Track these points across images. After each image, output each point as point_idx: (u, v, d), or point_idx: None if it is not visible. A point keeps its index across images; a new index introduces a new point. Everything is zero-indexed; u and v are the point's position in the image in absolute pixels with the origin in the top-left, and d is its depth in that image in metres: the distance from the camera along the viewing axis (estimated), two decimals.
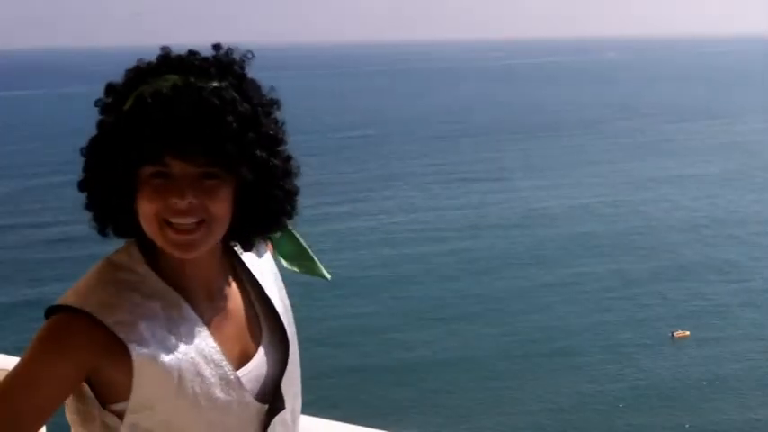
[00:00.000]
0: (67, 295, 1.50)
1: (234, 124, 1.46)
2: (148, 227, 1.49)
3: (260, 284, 1.69)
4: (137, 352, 1.45)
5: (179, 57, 1.52)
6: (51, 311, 1.50)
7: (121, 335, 1.45)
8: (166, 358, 1.47)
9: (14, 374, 1.47)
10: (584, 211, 43.93)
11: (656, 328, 27.59)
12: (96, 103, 1.54)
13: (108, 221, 1.55)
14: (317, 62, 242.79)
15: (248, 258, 1.71)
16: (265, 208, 1.57)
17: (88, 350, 1.45)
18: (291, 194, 1.59)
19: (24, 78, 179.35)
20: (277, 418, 1.62)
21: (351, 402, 21.20)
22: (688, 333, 26.90)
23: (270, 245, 1.83)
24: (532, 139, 70.01)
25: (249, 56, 1.56)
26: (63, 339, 1.46)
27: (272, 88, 1.58)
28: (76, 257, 30.50)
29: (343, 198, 47.80)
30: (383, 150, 65.53)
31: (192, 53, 1.53)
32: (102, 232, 1.56)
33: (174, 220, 1.47)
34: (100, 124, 1.51)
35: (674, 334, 26.87)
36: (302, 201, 1.59)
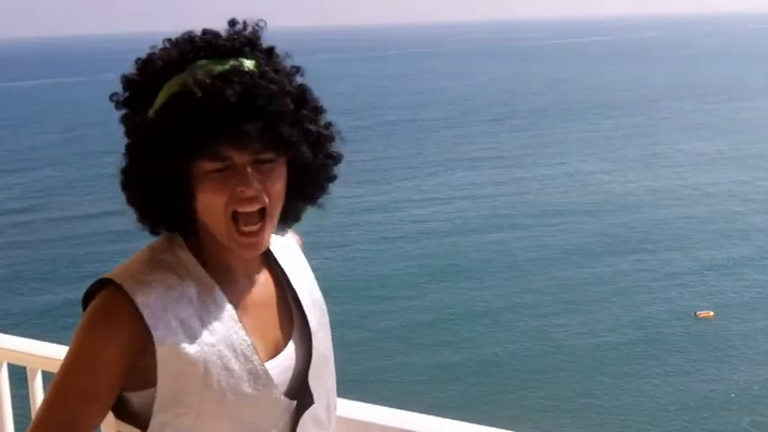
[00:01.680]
0: (112, 272, 1.49)
1: (290, 105, 1.45)
2: (217, 222, 1.47)
3: (288, 276, 1.66)
4: (161, 339, 1.43)
5: (205, 39, 1.47)
6: (93, 290, 1.49)
7: (148, 319, 1.43)
8: (192, 348, 1.44)
9: (67, 361, 1.46)
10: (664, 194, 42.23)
11: None
12: (112, 98, 1.49)
13: (158, 220, 1.51)
14: (346, 45, 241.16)
15: (278, 249, 1.68)
16: (318, 178, 1.56)
17: (133, 326, 1.43)
18: (338, 160, 1.58)
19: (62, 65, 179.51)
20: (307, 415, 1.59)
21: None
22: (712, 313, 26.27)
23: (299, 238, 1.79)
24: (585, 120, 68.13)
25: (262, 24, 1.53)
26: (111, 316, 1.44)
27: (288, 54, 1.54)
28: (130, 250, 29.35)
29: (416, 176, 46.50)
30: (440, 135, 64.10)
31: (213, 33, 1.48)
32: (154, 231, 1.54)
33: (242, 210, 1.46)
34: (136, 122, 1.45)
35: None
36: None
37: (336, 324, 1.78)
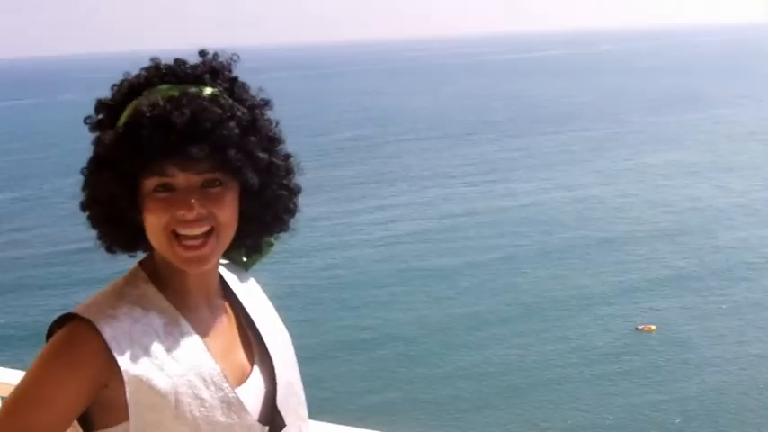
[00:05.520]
0: (78, 306, 1.50)
1: (235, 130, 1.48)
2: (158, 241, 1.50)
3: (243, 306, 1.68)
4: (129, 371, 1.43)
5: (169, 66, 1.53)
6: (58, 323, 1.49)
7: (116, 352, 1.44)
8: (161, 380, 1.45)
9: (23, 389, 1.45)
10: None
11: None
12: (86, 121, 1.55)
13: (114, 238, 1.54)
14: (307, 63, 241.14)
15: (233, 281, 1.70)
16: (271, 209, 1.58)
17: (97, 361, 1.44)
18: (294, 192, 1.61)
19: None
20: None
21: None
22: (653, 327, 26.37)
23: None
24: (546, 134, 68.49)
25: (235, 58, 1.58)
26: (75, 350, 1.45)
27: (261, 89, 1.60)
28: None
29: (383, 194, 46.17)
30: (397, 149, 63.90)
31: (180, 62, 1.54)
32: (110, 249, 1.56)
33: (183, 232, 1.48)
34: (97, 141, 1.51)
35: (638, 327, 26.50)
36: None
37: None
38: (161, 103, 1.46)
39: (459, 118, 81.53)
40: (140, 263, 1.59)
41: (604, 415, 21.07)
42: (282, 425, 1.61)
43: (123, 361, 1.44)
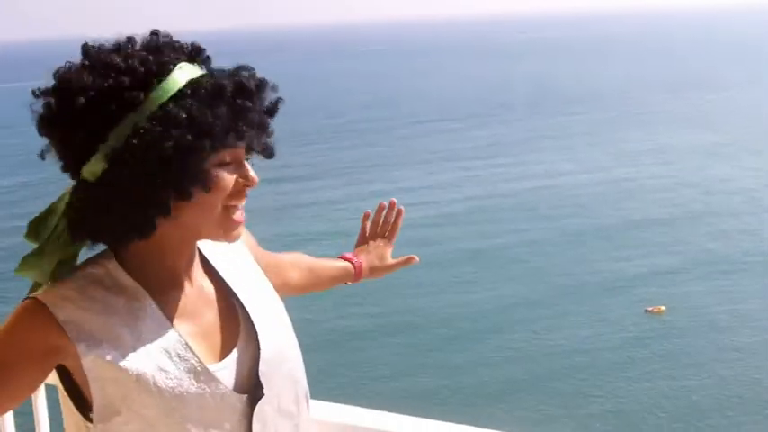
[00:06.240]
0: (36, 293, 1.52)
1: (275, 108, 1.57)
2: (210, 217, 1.52)
3: (226, 280, 1.68)
4: (85, 352, 1.46)
5: (181, 45, 1.53)
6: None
7: (71, 333, 1.46)
8: (120, 356, 1.47)
9: None
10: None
11: None
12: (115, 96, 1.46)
13: (114, 223, 1.49)
14: (315, 44, 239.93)
15: (217, 254, 1.70)
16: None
17: (47, 342, 1.47)
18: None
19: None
20: (271, 407, 1.61)
21: None
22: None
23: (252, 239, 1.86)
24: (566, 114, 67.93)
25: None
26: (23, 333, 1.48)
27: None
28: None
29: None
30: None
31: (162, 37, 1.53)
32: (79, 237, 1.53)
33: (238, 203, 1.55)
34: (169, 115, 1.44)
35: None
36: None
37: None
38: (246, 76, 1.51)
39: (473, 99, 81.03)
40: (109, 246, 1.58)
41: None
42: (261, 395, 1.59)
43: (77, 340, 1.46)
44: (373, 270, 2.27)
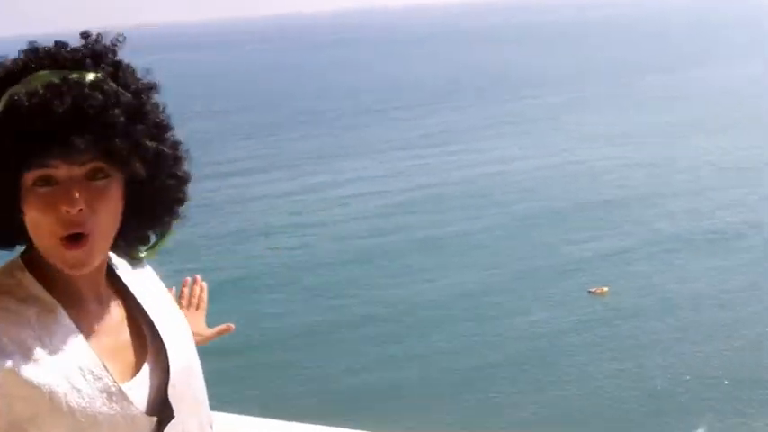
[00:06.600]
0: None
1: (120, 117, 1.42)
2: (41, 242, 1.44)
3: (133, 293, 1.64)
4: None
5: (47, 50, 1.46)
6: None
7: None
8: (32, 371, 1.41)
9: None
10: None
11: None
12: None
13: None
14: (269, 36, 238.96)
15: (125, 272, 1.65)
16: (159, 199, 1.54)
17: None
18: (184, 181, 1.56)
19: None
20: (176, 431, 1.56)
21: None
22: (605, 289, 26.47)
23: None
24: (526, 98, 68.20)
25: (121, 39, 1.51)
26: None
27: (149, 71, 1.53)
28: None
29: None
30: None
31: (60, 44, 1.47)
32: None
33: (67, 233, 1.42)
34: None
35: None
36: None
37: None
38: (40, 90, 1.39)
39: (432, 86, 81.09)
40: (21, 253, 1.52)
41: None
42: (171, 416, 1.54)
43: None
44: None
